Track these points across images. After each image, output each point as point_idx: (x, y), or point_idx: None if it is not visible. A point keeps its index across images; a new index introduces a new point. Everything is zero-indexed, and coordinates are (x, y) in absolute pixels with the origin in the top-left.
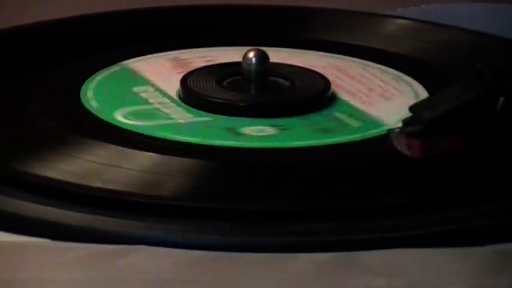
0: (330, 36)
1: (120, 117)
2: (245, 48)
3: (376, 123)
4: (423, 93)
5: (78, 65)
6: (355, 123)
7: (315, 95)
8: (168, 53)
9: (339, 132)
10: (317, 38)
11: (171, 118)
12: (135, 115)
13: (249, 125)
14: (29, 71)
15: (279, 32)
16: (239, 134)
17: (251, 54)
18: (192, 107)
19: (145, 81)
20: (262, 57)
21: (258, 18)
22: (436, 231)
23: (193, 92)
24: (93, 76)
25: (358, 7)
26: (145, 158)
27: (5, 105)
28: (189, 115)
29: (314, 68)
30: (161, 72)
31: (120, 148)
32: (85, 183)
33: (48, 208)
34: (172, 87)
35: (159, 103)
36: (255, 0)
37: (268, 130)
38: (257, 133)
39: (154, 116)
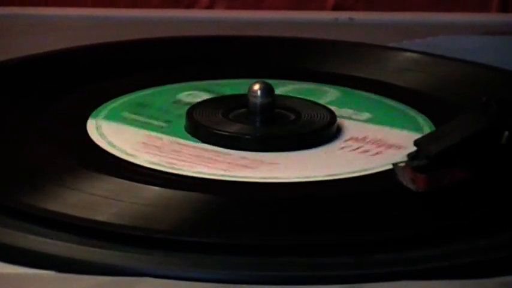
0: (334, 68)
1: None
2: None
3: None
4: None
5: (86, 95)
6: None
7: (320, 128)
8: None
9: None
10: (321, 70)
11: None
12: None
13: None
14: (34, 101)
15: (282, 63)
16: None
17: (257, 87)
18: (198, 138)
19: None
20: (268, 90)
21: (263, 50)
22: (443, 263)
23: (199, 124)
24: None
25: (364, 39)
26: (151, 192)
27: (10, 136)
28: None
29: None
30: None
31: (125, 181)
32: (89, 216)
33: (54, 241)
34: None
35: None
36: (257, 32)
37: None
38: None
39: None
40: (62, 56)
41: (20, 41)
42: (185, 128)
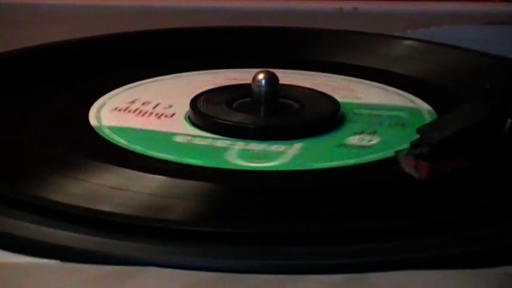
0: (338, 58)
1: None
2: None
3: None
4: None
5: (87, 86)
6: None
7: (324, 117)
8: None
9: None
10: (324, 60)
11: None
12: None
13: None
14: (37, 93)
15: (286, 53)
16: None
17: (261, 76)
18: (201, 129)
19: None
20: (272, 79)
21: (264, 40)
22: (445, 253)
23: (202, 114)
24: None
25: (368, 29)
26: (154, 181)
27: (14, 127)
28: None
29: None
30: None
31: (129, 171)
32: (94, 207)
33: (58, 231)
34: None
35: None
36: (259, 22)
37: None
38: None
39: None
40: (66, 47)
41: (24, 32)
42: (188, 117)
